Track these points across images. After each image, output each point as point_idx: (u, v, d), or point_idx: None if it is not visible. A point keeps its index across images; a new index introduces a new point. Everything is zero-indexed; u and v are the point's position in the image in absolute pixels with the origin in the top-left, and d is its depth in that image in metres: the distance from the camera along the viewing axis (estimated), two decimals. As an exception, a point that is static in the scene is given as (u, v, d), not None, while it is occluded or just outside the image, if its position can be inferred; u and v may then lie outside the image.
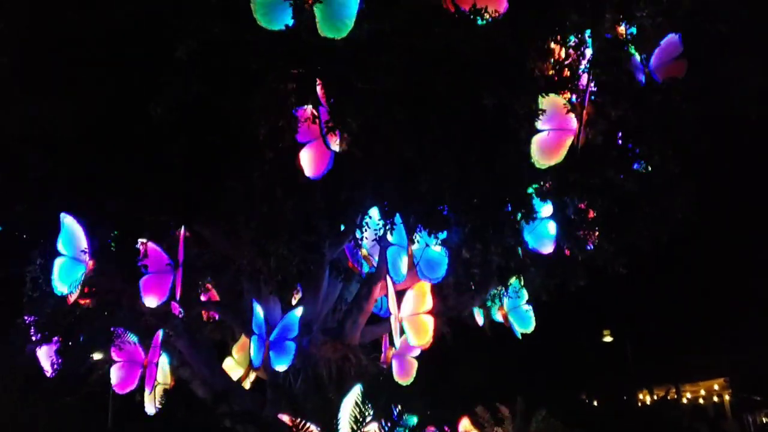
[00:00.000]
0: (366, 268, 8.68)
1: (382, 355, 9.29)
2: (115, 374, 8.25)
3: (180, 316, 8.27)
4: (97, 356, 8.74)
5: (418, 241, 7.45)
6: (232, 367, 9.70)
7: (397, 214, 7.30)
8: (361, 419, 6.15)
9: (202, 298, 9.22)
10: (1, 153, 7.41)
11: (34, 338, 8.00)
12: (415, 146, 6.09)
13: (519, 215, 6.63)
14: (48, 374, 8.09)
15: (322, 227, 7.63)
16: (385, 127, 5.91)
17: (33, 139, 7.11)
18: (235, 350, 9.76)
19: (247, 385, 9.52)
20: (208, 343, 9.46)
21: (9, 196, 7.94)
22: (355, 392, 6.42)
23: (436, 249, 7.46)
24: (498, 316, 9.68)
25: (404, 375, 9.06)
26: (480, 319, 9.77)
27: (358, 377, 8.03)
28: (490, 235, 6.73)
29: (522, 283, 8.67)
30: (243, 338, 9.49)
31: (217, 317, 9.76)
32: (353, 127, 5.81)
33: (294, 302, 9.02)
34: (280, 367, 7.97)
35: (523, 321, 9.50)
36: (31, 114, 6.73)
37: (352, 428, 6.18)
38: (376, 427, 6.33)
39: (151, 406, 8.20)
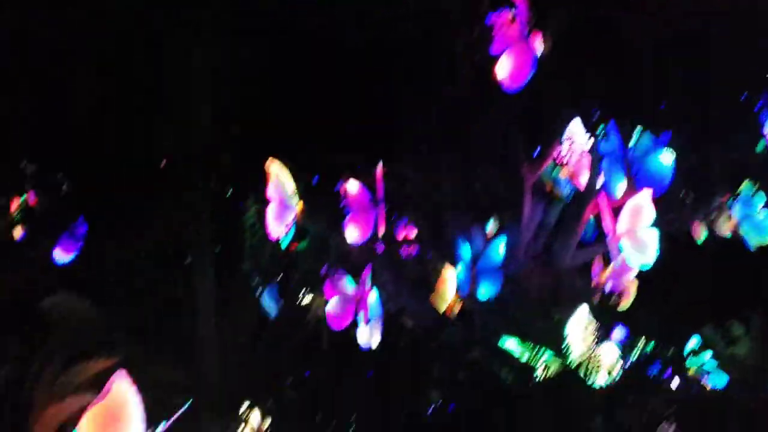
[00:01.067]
0: (569, 190, 8.13)
1: (597, 277, 8.74)
2: (330, 311, 8.58)
3: (383, 251, 8.38)
4: (309, 297, 9.17)
5: (636, 148, 6.69)
6: (438, 299, 9.71)
7: (611, 120, 6.61)
8: (593, 339, 5.81)
9: (404, 232, 9.27)
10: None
11: (255, 284, 8.56)
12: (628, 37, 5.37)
13: (760, 102, 5.66)
14: (271, 317, 8.65)
15: (521, 147, 7.21)
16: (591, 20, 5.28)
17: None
18: (439, 282, 9.75)
19: (453, 316, 9.51)
20: (413, 276, 9.54)
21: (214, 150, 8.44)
22: (582, 312, 6.06)
23: (659, 156, 6.65)
24: (725, 229, 8.64)
25: (623, 297, 8.50)
26: (703, 232, 8.81)
27: (571, 302, 7.66)
28: (724, 131, 5.84)
29: (757, 186, 7.60)
30: (447, 269, 9.42)
31: (418, 251, 9.79)
32: (558, 24, 5.24)
33: (496, 230, 8.76)
34: (489, 295, 7.78)
35: (759, 231, 8.35)
36: None
37: (584, 349, 5.86)
38: (608, 346, 5.95)
39: (368, 340, 8.44)
